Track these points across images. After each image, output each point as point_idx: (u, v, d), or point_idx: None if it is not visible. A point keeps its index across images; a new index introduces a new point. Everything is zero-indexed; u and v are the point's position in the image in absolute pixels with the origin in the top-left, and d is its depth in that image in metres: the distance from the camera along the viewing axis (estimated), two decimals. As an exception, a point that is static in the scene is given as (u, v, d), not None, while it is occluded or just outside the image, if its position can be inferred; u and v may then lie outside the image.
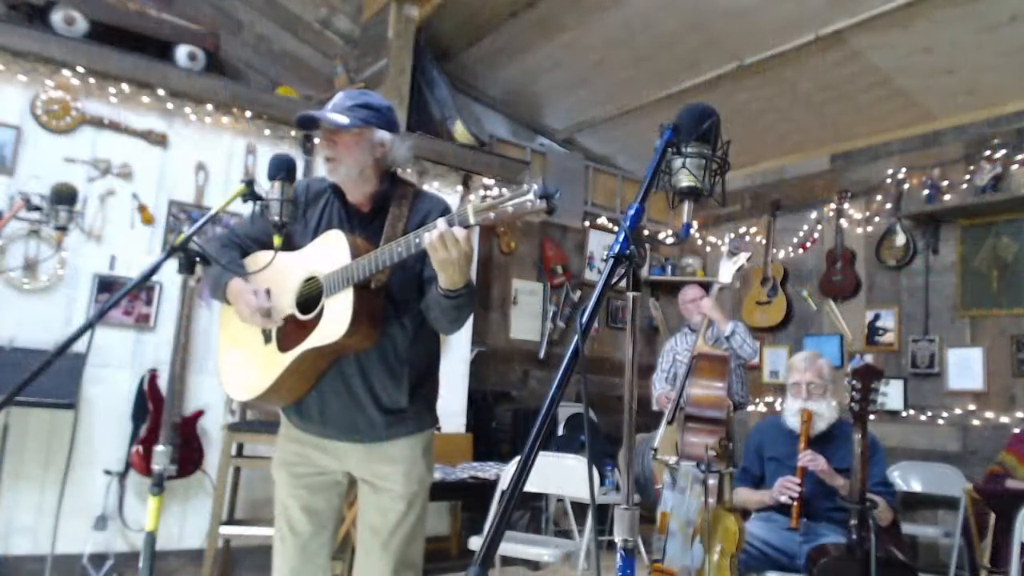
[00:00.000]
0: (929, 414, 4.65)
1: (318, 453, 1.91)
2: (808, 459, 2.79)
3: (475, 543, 3.29)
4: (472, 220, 1.52)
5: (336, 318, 1.70)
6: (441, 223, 1.54)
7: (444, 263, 1.58)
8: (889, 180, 5.03)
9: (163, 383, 3.61)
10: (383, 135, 1.86)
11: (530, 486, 2.85)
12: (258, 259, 1.91)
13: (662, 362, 4.59)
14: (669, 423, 3.87)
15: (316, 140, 4.22)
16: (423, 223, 1.71)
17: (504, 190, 1.45)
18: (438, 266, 1.60)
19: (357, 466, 1.91)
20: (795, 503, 2.76)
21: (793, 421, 2.97)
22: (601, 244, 5.98)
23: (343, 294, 1.70)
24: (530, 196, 1.40)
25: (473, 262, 4.68)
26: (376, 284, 1.73)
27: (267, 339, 1.86)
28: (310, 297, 1.80)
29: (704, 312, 3.96)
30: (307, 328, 1.76)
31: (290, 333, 1.80)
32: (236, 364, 1.94)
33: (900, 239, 4.91)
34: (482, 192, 4.91)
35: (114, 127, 3.67)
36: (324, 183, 1.96)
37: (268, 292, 1.85)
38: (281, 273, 1.84)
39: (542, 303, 5.64)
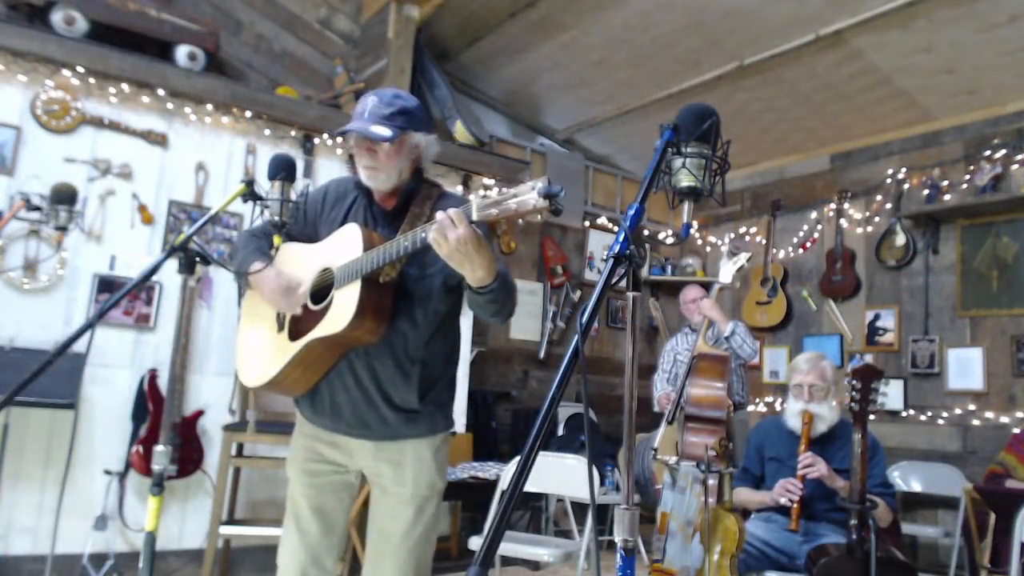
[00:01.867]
0: (929, 414, 4.65)
1: (331, 449, 1.91)
2: (807, 464, 2.78)
3: (475, 543, 3.30)
4: (475, 216, 1.48)
5: (342, 309, 1.70)
6: (439, 214, 1.50)
7: (453, 257, 1.53)
8: (889, 180, 5.03)
9: (163, 383, 3.61)
10: (419, 138, 1.86)
11: (530, 486, 2.85)
12: (289, 250, 1.93)
13: (663, 362, 4.59)
14: (669, 423, 3.87)
15: (316, 141, 4.23)
16: None
17: (507, 189, 1.43)
18: (450, 262, 1.55)
19: (367, 465, 1.89)
20: (795, 505, 2.76)
21: (794, 422, 2.97)
22: (601, 244, 5.98)
23: (351, 286, 1.70)
24: (533, 194, 1.35)
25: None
26: (385, 278, 1.72)
27: (280, 327, 1.87)
28: (323, 288, 1.81)
29: (704, 312, 3.96)
30: (317, 318, 1.77)
31: (302, 322, 1.81)
32: (250, 350, 1.96)
33: (900, 239, 4.91)
34: (482, 192, 4.90)
35: (114, 127, 3.67)
36: (351, 180, 1.96)
37: None
38: (300, 264, 1.87)
39: (542, 303, 5.64)
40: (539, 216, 1.38)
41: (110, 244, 3.63)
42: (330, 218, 1.93)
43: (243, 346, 1.99)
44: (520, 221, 1.46)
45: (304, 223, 1.95)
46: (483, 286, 1.62)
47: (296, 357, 1.77)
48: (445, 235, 1.49)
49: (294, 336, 1.81)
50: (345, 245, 1.76)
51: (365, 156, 1.82)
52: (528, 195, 1.36)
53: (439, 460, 1.90)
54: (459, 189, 4.75)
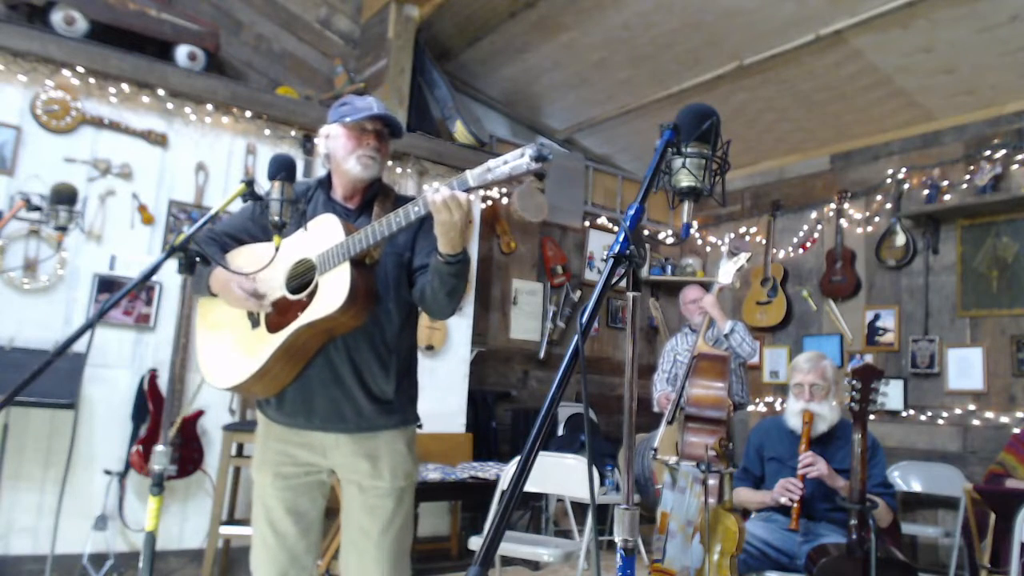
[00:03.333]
0: (929, 414, 4.65)
1: (303, 451, 1.92)
2: (808, 463, 2.78)
3: (475, 543, 3.30)
4: (472, 183, 1.60)
5: (332, 292, 1.73)
6: (444, 188, 1.62)
7: (447, 225, 1.66)
8: (889, 180, 5.03)
9: (163, 383, 3.61)
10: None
11: (530, 486, 2.85)
12: (241, 254, 1.95)
13: (663, 362, 4.59)
14: (669, 423, 3.87)
15: (316, 141, 4.22)
16: None
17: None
18: (440, 229, 1.67)
19: (342, 462, 1.91)
20: (795, 505, 2.76)
21: (795, 422, 2.97)
22: (601, 244, 5.98)
23: (339, 269, 1.74)
24: (525, 159, 1.48)
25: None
26: (370, 261, 1.79)
27: (255, 323, 1.87)
28: (299, 278, 1.83)
29: (705, 309, 3.96)
30: (299, 307, 1.78)
31: (280, 314, 1.82)
32: (219, 351, 1.94)
33: (900, 239, 4.91)
34: (482, 192, 4.91)
35: (114, 127, 3.67)
36: (307, 183, 2.04)
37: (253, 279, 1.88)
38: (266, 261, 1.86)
39: (542, 303, 5.64)
40: (531, 177, 1.50)
41: (110, 244, 3.63)
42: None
43: (208, 349, 1.98)
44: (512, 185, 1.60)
45: (256, 224, 1.99)
46: (454, 254, 1.72)
47: (282, 347, 1.78)
48: (449, 207, 1.62)
49: (275, 328, 1.81)
50: (322, 234, 1.80)
51: (370, 144, 1.90)
52: (520, 160, 1.50)
53: (412, 452, 1.97)
54: (459, 189, 4.74)
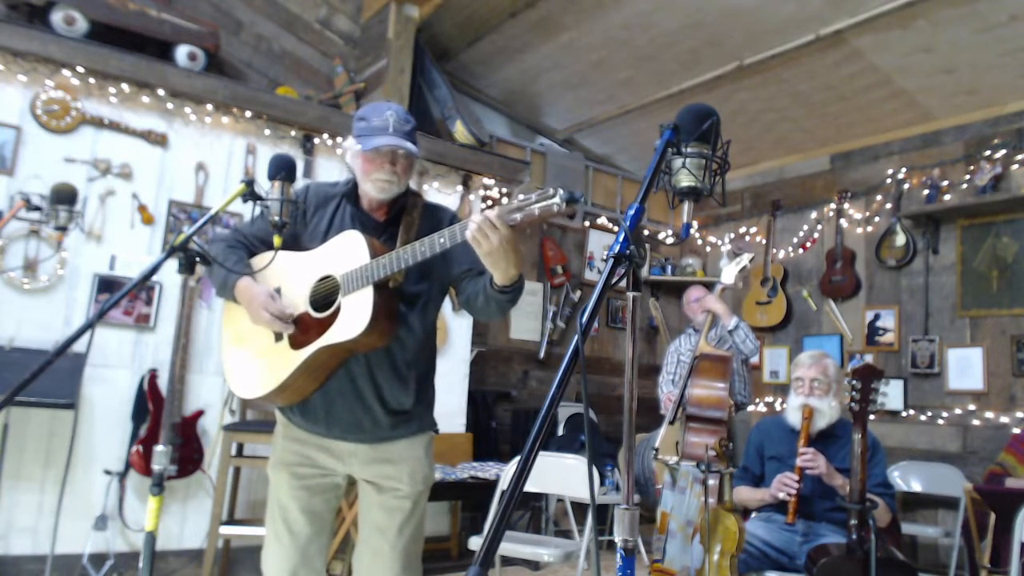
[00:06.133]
0: (929, 414, 4.65)
1: (321, 454, 1.92)
2: (807, 459, 2.79)
3: (475, 543, 3.29)
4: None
5: (355, 316, 1.72)
6: (476, 215, 1.56)
7: (492, 255, 1.57)
8: (889, 180, 5.03)
9: (163, 383, 3.61)
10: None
11: (530, 486, 2.85)
12: (265, 259, 1.92)
13: (667, 364, 4.58)
14: (670, 423, 3.87)
15: (316, 141, 4.23)
16: (434, 230, 1.73)
17: (530, 194, 1.51)
18: (488, 261, 1.60)
19: (360, 467, 1.92)
20: (792, 499, 2.77)
21: (795, 417, 2.97)
22: (601, 244, 5.98)
23: (362, 292, 1.72)
24: (556, 200, 1.45)
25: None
26: (393, 284, 1.76)
27: (278, 337, 1.87)
28: (323, 295, 1.82)
29: (707, 307, 3.96)
30: (321, 326, 1.77)
31: (303, 331, 1.81)
32: (243, 361, 1.93)
33: (900, 239, 4.91)
34: (482, 192, 4.91)
35: (114, 127, 3.67)
36: (334, 188, 1.99)
37: (279, 291, 1.87)
38: (292, 272, 1.86)
39: (542, 303, 5.64)
40: (559, 218, 1.47)
41: (110, 244, 3.63)
42: (311, 225, 1.93)
43: (233, 357, 1.97)
44: (544, 225, 1.54)
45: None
46: (509, 284, 1.67)
47: (303, 365, 1.78)
48: (487, 235, 1.54)
49: (297, 345, 1.81)
50: (347, 252, 1.77)
51: (385, 169, 1.84)
52: (551, 200, 1.46)
53: (430, 455, 1.99)
54: (459, 189, 4.75)
